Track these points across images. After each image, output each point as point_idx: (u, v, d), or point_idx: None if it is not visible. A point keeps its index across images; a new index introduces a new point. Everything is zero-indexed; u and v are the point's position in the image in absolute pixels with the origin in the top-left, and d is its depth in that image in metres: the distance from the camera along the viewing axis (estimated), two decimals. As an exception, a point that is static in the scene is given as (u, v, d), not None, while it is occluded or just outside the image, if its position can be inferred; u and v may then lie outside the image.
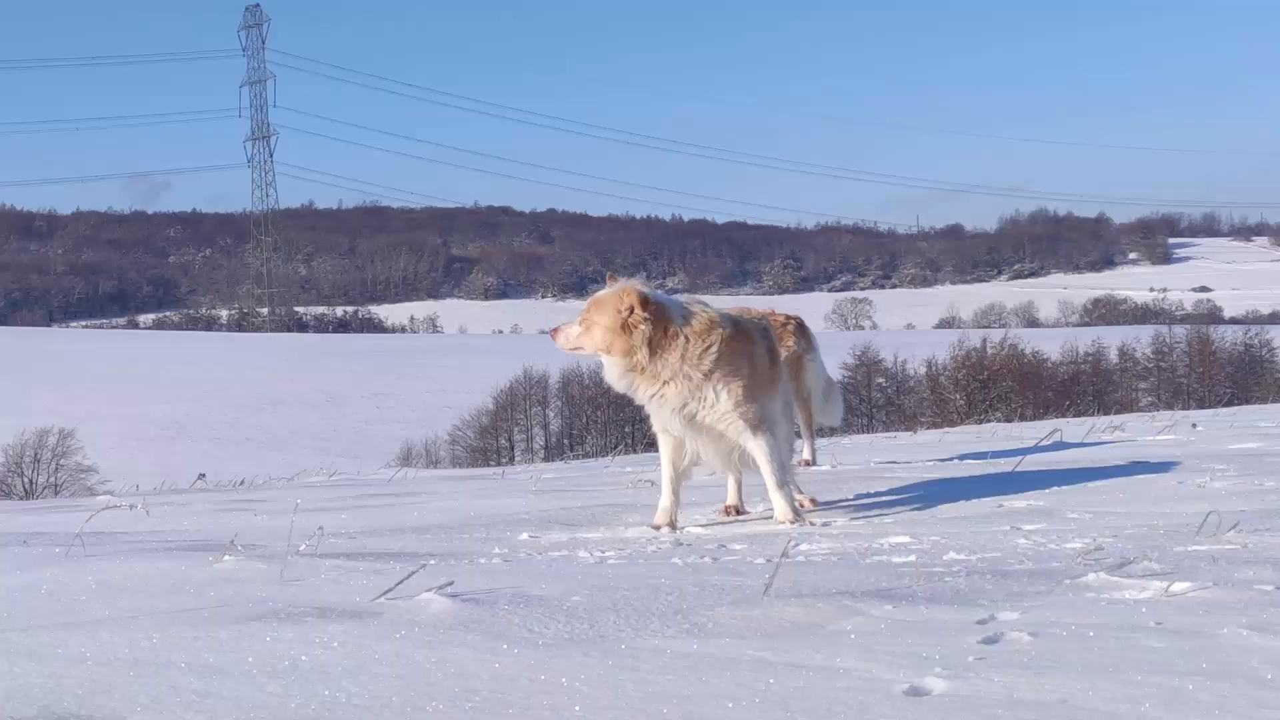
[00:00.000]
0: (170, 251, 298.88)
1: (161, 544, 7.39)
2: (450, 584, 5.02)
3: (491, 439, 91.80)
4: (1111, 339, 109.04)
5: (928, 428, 41.03)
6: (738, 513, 8.13)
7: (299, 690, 3.66)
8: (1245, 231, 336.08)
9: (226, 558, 6.19)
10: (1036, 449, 12.22)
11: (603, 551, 6.50)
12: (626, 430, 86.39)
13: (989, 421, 31.12)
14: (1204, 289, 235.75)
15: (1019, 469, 9.86)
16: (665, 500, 7.62)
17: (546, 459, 72.68)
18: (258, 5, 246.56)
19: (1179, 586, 4.60)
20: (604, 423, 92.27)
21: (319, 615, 4.67)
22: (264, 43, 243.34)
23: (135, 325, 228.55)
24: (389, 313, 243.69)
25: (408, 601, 4.82)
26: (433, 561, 6.06)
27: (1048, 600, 4.55)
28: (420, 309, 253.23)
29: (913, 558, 5.80)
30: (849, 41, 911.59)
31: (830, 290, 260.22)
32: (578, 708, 3.42)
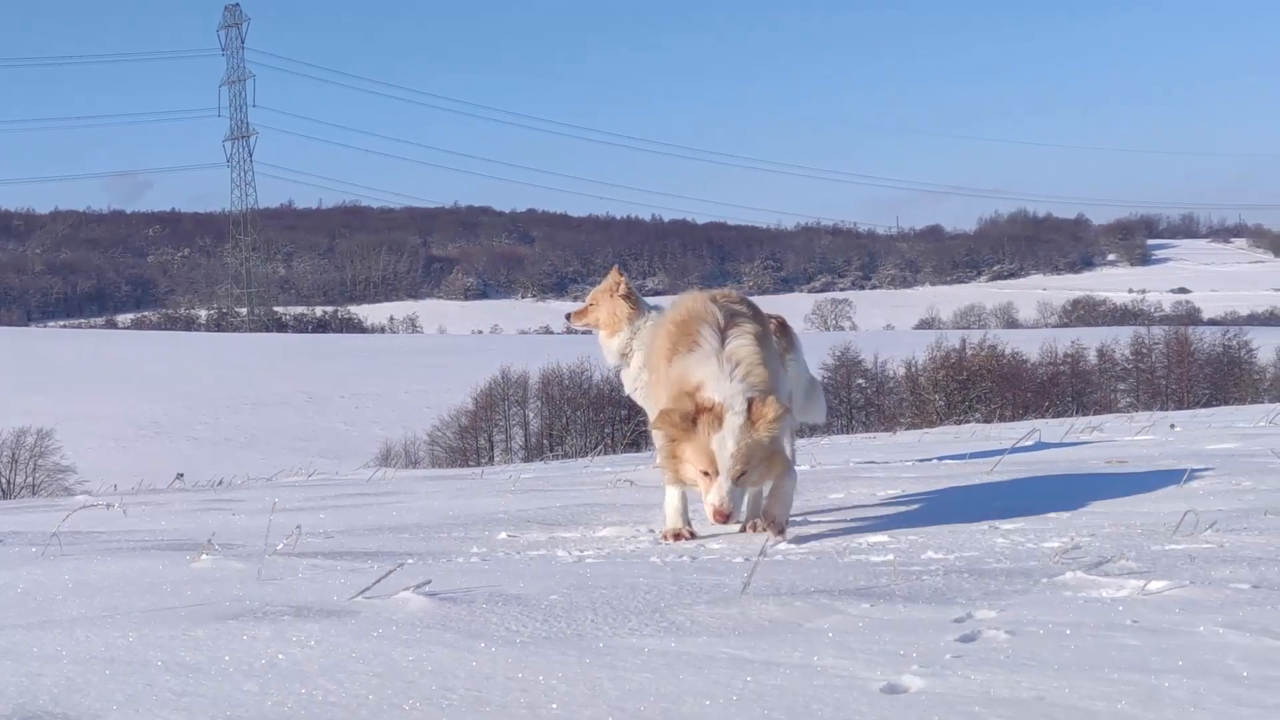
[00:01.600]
0: (149, 251, 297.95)
1: (139, 543, 7.37)
2: (428, 583, 5.01)
3: (471, 439, 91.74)
4: (1090, 340, 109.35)
5: (907, 428, 41.10)
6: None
7: (275, 689, 3.66)
8: (1224, 233, 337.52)
9: (204, 557, 6.19)
10: (1015, 449, 12.24)
11: (581, 551, 6.49)
12: (606, 431, 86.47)
13: (968, 422, 31.16)
14: (1183, 290, 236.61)
15: (997, 469, 9.88)
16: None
17: (526, 459, 72.65)
18: (237, 5, 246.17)
19: (1156, 585, 4.62)
20: (584, 423, 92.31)
21: (296, 614, 4.66)
22: (243, 42, 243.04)
23: (114, 325, 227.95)
24: (368, 313, 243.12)
25: (385, 600, 4.82)
26: (410, 560, 6.06)
27: (1025, 599, 4.56)
28: (400, 309, 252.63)
29: (890, 556, 5.81)
30: (829, 43, 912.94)
31: (810, 291, 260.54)
32: (555, 705, 3.42)
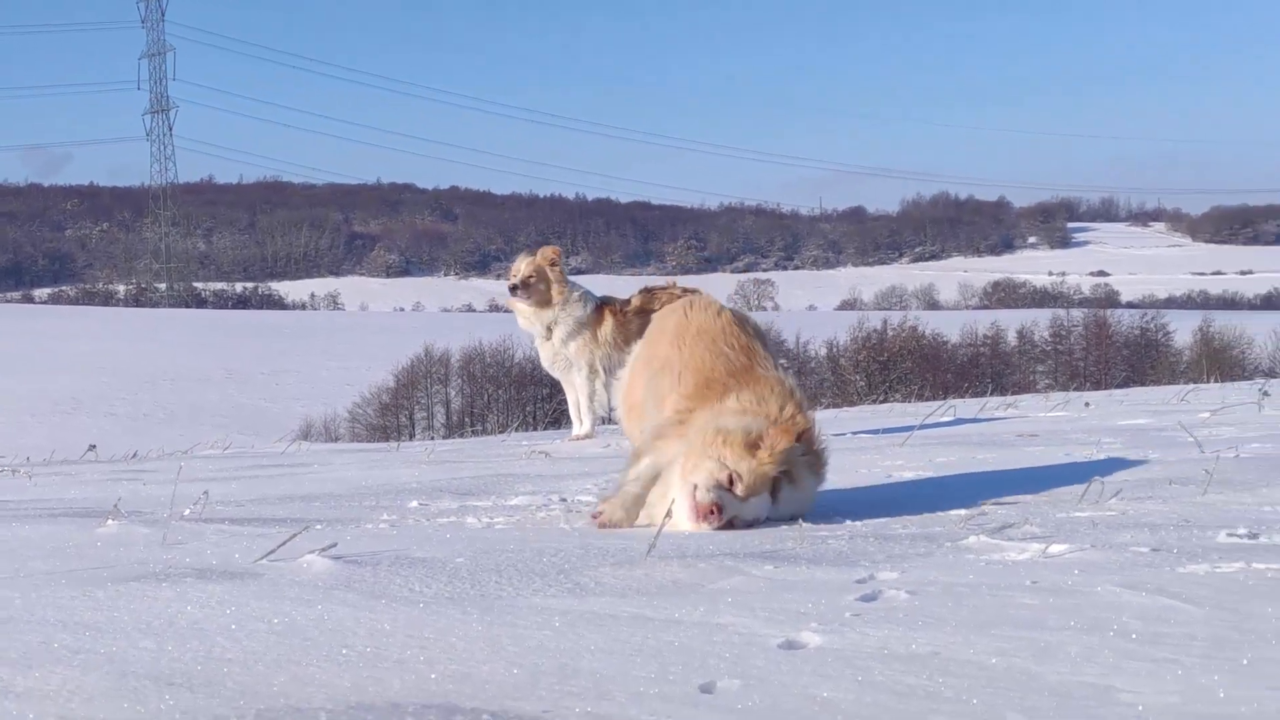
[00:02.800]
0: (67, 225, 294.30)
1: (45, 510, 7.30)
2: (334, 546, 5.00)
3: (392, 417, 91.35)
4: (1010, 322, 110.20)
5: (827, 407, 41.27)
6: None
7: (173, 646, 3.63)
8: (1143, 217, 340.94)
9: (110, 522, 6.14)
10: (927, 425, 12.33)
11: (491, 518, 6.49)
12: (528, 409, 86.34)
13: (888, 402, 31.36)
14: (1102, 273, 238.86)
15: (909, 442, 9.95)
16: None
17: (447, 436, 72.44)
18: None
19: (1056, 548, 4.67)
20: (505, 401, 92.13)
21: (199, 576, 4.64)
22: (163, 14, 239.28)
23: (30, 299, 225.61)
24: (289, 289, 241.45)
25: (290, 563, 4.80)
26: (319, 526, 6.04)
27: (928, 561, 4.60)
28: (321, 286, 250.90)
29: (797, 522, 5.84)
30: (753, 23, 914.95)
31: (733, 271, 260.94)
32: (452, 662, 3.42)
